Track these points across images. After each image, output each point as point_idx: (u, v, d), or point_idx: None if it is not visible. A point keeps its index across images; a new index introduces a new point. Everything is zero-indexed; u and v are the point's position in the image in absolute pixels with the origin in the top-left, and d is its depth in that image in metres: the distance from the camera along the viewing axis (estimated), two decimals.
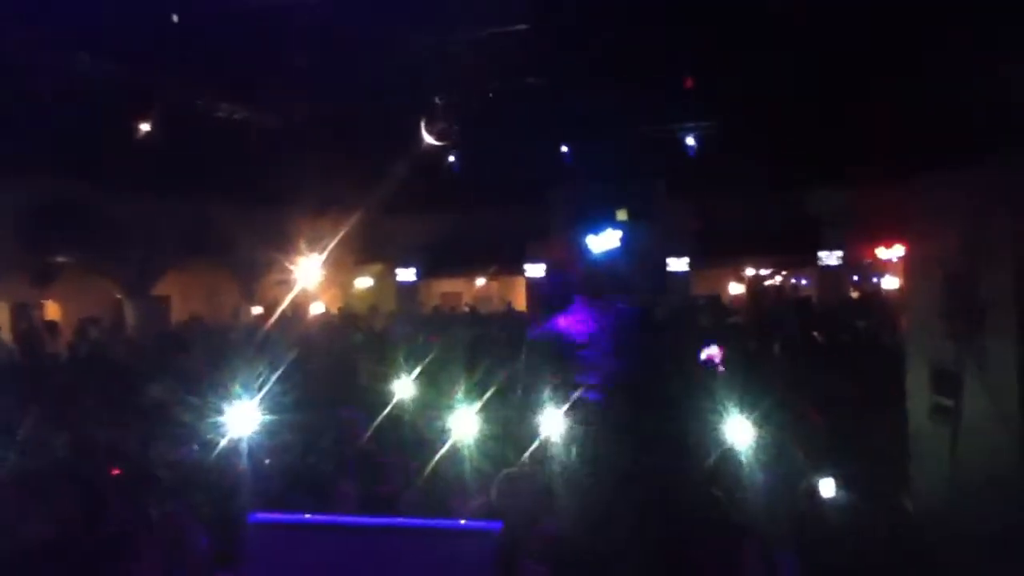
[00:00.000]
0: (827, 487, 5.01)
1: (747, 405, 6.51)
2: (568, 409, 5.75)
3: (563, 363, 6.58)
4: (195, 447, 5.48)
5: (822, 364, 9.84)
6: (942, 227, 5.35)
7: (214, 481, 5.24)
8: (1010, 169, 4.54)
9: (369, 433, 6.62)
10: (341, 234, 16.14)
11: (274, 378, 5.89)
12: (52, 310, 18.46)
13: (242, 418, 5.27)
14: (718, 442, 5.60)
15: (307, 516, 4.41)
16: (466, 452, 5.53)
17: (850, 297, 22.76)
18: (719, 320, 15.25)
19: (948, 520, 4.58)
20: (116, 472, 5.65)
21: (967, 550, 4.16)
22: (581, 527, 4.02)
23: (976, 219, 4.83)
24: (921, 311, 5.62)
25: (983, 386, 4.68)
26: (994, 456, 4.52)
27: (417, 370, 7.93)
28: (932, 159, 5.33)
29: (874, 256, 24.63)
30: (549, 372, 6.27)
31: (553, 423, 5.79)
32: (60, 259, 16.89)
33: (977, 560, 4.04)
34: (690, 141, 21.87)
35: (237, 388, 5.54)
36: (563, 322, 4.75)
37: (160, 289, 20.12)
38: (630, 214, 24.00)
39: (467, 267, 25.15)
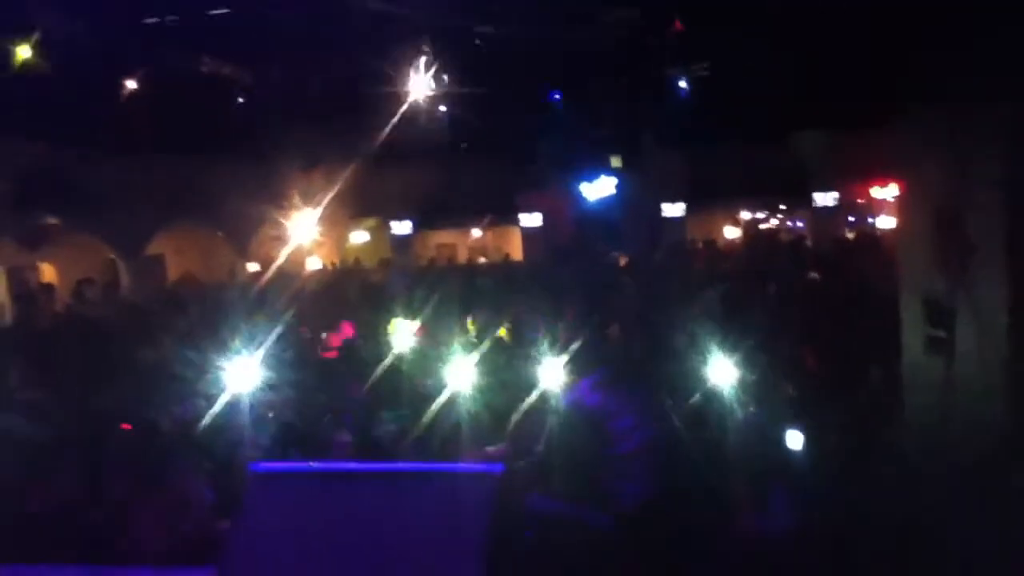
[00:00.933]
0: (795, 439, 5.03)
1: (740, 348, 6.57)
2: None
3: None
4: (197, 403, 5.52)
5: (816, 305, 9.87)
6: (933, 165, 5.35)
7: (216, 435, 5.30)
8: (1000, 107, 4.54)
9: (367, 385, 6.66)
10: (335, 188, 16.07)
11: (274, 334, 5.93)
12: (48, 273, 18.44)
13: (243, 374, 5.31)
14: (709, 383, 5.65)
15: (307, 464, 4.49)
16: (463, 402, 5.58)
17: (845, 238, 22.75)
18: (714, 264, 15.26)
19: (940, 448, 4.65)
20: (119, 432, 5.71)
21: (957, 478, 4.23)
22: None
23: (966, 156, 4.84)
24: (914, 247, 5.65)
25: (974, 319, 4.74)
26: (985, 386, 4.60)
27: (413, 321, 7.98)
28: (922, 96, 5.31)
29: (869, 196, 24.60)
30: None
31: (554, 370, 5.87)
32: (51, 221, 16.84)
33: (967, 488, 4.11)
34: (682, 84, 21.72)
35: (237, 345, 5.58)
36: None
37: (154, 249, 20.11)
38: (624, 161, 23.95)
39: (461, 219, 25.12)
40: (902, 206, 6.98)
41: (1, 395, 6.57)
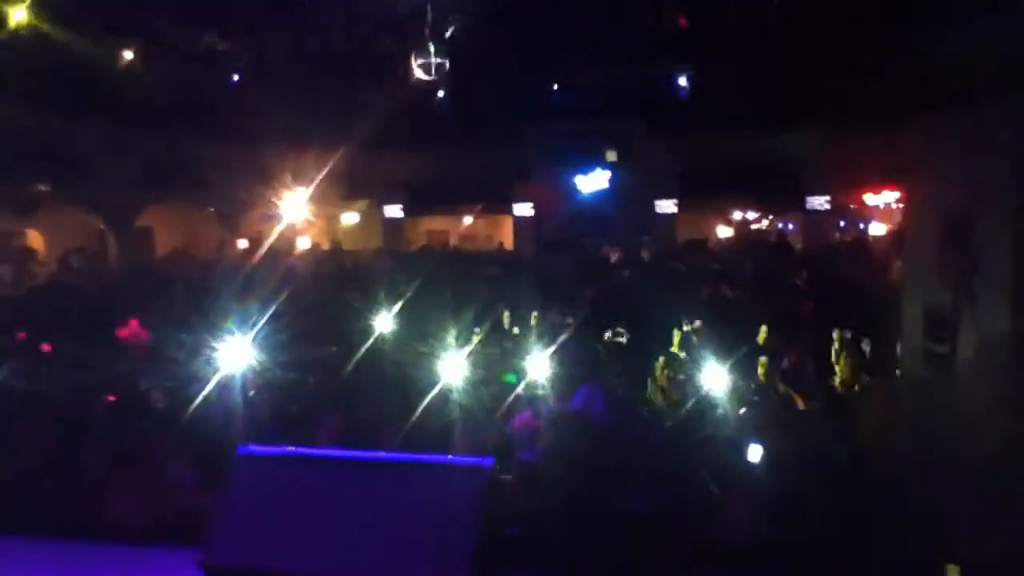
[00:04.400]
0: (755, 453, 5.06)
1: (725, 349, 6.62)
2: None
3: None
4: (186, 380, 5.50)
5: (800, 307, 9.93)
6: (940, 172, 5.36)
7: (204, 414, 5.28)
8: (1010, 113, 4.53)
9: (352, 368, 6.64)
10: (326, 169, 16.01)
11: (265, 314, 5.91)
12: (37, 243, 18.34)
13: (234, 353, 5.29)
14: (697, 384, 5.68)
15: (296, 449, 4.49)
16: (454, 393, 5.58)
17: (835, 243, 22.85)
18: (703, 264, 15.29)
19: (934, 455, 4.67)
20: (101, 404, 5.68)
21: (957, 489, 4.24)
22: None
23: (974, 164, 4.85)
24: (917, 256, 5.66)
25: (976, 330, 4.75)
26: (986, 399, 4.61)
27: (399, 307, 7.95)
28: (927, 102, 5.31)
29: (861, 202, 24.66)
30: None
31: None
32: (41, 188, 16.70)
33: (970, 500, 4.13)
34: (682, 82, 21.71)
35: (229, 324, 5.56)
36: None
37: (143, 222, 19.98)
38: (619, 155, 23.92)
39: (454, 205, 25.03)
40: (906, 213, 7.00)
41: None
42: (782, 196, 24.37)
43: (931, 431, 4.99)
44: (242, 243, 20.74)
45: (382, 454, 4.53)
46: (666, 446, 4.33)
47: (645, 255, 16.40)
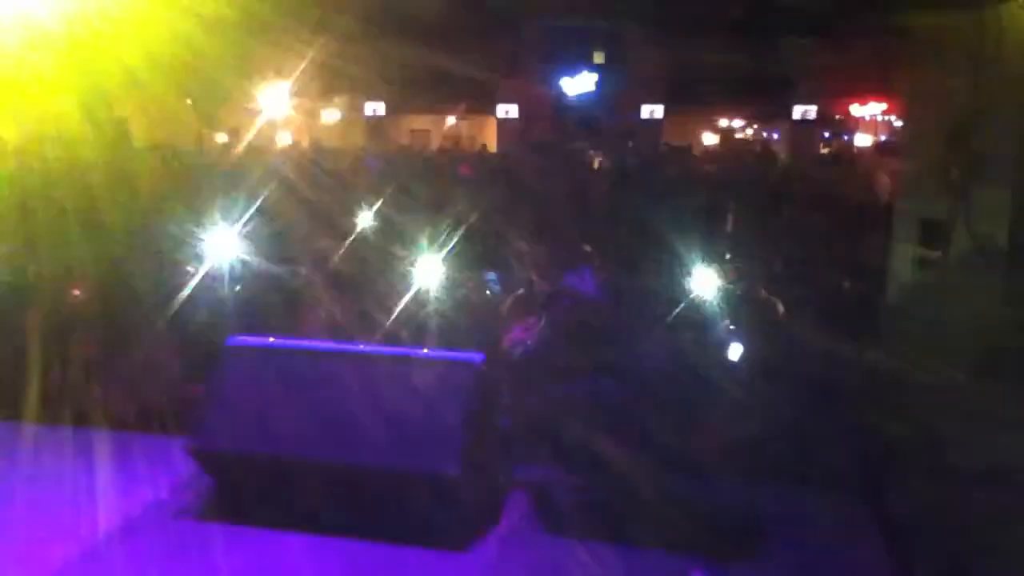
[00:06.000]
0: (735, 351, 5.15)
1: (712, 258, 6.63)
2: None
3: None
4: (177, 271, 5.47)
5: (787, 218, 9.96)
6: (942, 78, 5.31)
7: (192, 304, 5.28)
8: (1015, 13, 4.47)
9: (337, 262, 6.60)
10: (306, 61, 15.62)
11: (252, 208, 5.85)
12: (7, 131, 17.87)
13: (222, 245, 5.26)
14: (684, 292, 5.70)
15: (285, 340, 4.51)
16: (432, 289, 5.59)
17: (822, 154, 22.81)
18: (687, 171, 15.24)
19: (926, 365, 4.75)
20: (70, 295, 5.66)
21: (940, 396, 4.34)
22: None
23: (978, 68, 4.80)
24: (913, 163, 5.68)
25: (971, 235, 4.79)
26: (977, 302, 4.68)
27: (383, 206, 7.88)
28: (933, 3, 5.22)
29: (846, 112, 24.53)
30: None
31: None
32: None
33: (950, 404, 4.22)
34: None
35: (213, 217, 5.51)
36: None
37: (117, 111, 19.50)
38: (606, 58, 23.50)
39: (437, 104, 24.62)
40: (906, 122, 6.95)
41: None
42: (770, 104, 24.16)
43: (918, 336, 5.08)
44: (221, 137, 20.36)
45: (370, 346, 4.57)
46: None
47: (630, 161, 16.31)
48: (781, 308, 5.54)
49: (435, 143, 25.29)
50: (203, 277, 5.25)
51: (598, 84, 23.18)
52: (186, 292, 5.16)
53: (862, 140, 23.01)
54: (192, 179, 10.41)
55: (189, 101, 20.94)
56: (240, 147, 14.59)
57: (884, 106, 22.91)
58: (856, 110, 23.89)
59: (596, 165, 16.64)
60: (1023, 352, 4.07)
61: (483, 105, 23.92)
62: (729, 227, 8.33)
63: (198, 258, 5.35)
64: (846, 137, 25.02)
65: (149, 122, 20.53)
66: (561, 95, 23.19)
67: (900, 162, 6.86)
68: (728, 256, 6.35)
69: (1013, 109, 4.45)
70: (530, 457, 4.39)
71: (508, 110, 23.94)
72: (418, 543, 3.69)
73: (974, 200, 4.78)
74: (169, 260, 5.51)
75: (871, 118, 24.34)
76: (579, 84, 23.09)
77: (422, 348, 4.63)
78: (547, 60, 22.83)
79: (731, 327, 4.83)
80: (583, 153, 17.49)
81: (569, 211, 8.87)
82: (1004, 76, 4.61)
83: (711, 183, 12.77)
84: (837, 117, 25.08)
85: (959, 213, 4.90)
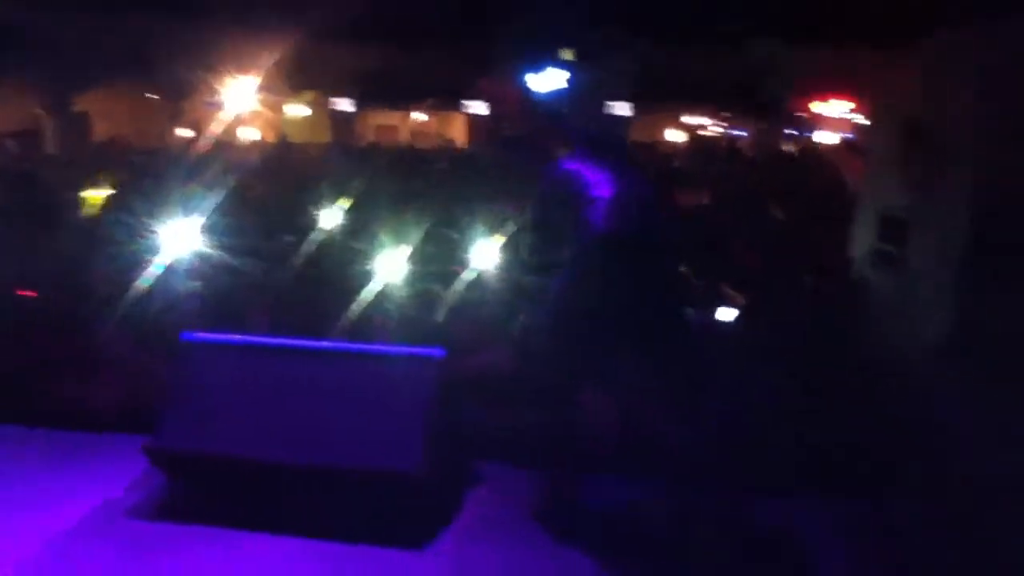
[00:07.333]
0: (726, 314, 5.18)
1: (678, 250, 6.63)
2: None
3: None
4: (132, 266, 5.37)
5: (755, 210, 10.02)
6: (903, 89, 5.38)
7: (147, 302, 5.19)
8: (974, 38, 4.54)
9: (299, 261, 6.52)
10: (274, 58, 15.46)
11: (212, 203, 5.76)
12: None
13: (176, 241, 5.18)
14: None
15: (242, 337, 4.44)
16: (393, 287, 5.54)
17: (785, 151, 23.00)
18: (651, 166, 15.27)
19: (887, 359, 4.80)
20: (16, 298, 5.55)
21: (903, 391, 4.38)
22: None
23: (940, 67, 4.87)
24: (878, 160, 5.74)
25: (930, 232, 4.85)
26: (934, 299, 4.73)
27: (351, 202, 7.81)
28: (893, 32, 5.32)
29: (809, 111, 24.80)
30: None
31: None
32: None
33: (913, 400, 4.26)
34: None
35: (171, 211, 5.42)
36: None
37: (82, 106, 19.22)
38: (574, 55, 23.49)
39: (404, 100, 24.52)
40: (870, 120, 7.04)
41: None
42: (737, 104, 24.38)
43: (877, 327, 5.14)
44: (184, 132, 20.10)
45: (330, 343, 4.51)
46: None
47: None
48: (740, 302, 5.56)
49: (403, 139, 25.21)
50: (163, 271, 5.16)
51: (568, 81, 23.20)
52: (143, 287, 5.07)
53: (827, 138, 23.22)
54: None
55: (152, 96, 20.71)
56: (205, 142, 14.39)
57: (847, 104, 23.17)
58: (820, 108, 24.15)
59: None
60: (978, 349, 4.12)
61: (451, 101, 23.88)
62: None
63: (155, 252, 5.25)
64: (811, 135, 25.24)
65: (110, 118, 20.27)
66: (532, 92, 23.18)
67: (863, 159, 6.92)
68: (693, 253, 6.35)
69: (971, 107, 4.50)
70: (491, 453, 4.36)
71: (478, 106, 23.92)
72: (380, 541, 3.65)
73: (934, 197, 4.83)
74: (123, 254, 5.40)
75: (835, 116, 24.60)
76: (547, 81, 23.09)
77: (384, 344, 4.57)
78: (516, 58, 22.80)
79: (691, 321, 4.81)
80: (554, 149, 17.48)
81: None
82: (963, 79, 4.67)
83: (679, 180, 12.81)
84: (802, 115, 25.33)
85: (919, 210, 4.95)
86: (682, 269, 5.31)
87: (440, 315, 5.30)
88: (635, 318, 3.55)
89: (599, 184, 3.69)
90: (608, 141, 4.26)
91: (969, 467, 3.48)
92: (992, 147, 4.37)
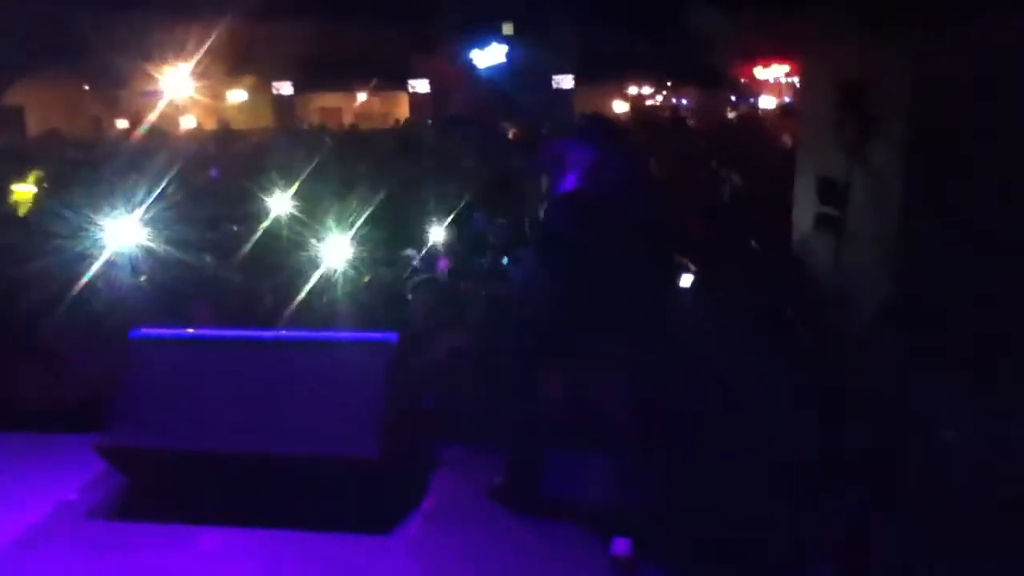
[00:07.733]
0: (687, 280, 5.26)
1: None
2: None
3: None
4: (73, 261, 5.25)
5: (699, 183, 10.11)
6: (838, 39, 5.43)
7: (92, 298, 5.08)
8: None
9: (245, 250, 6.44)
10: (210, 42, 15.17)
11: (153, 195, 5.65)
12: None
13: (121, 233, 5.07)
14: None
15: (192, 330, 4.38)
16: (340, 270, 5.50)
17: (729, 117, 23.20)
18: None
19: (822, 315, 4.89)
20: None
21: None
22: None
23: (874, 29, 4.92)
24: (813, 123, 5.81)
25: (867, 195, 4.93)
26: (873, 260, 4.83)
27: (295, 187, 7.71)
28: None
29: (752, 76, 25.02)
30: None
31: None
32: None
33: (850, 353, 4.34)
34: None
35: (115, 203, 5.30)
36: None
37: (11, 100, 18.67)
38: (516, 29, 23.41)
39: (347, 81, 24.23)
40: (803, 83, 7.12)
41: None
42: (677, 72, 24.54)
43: (817, 290, 5.23)
44: (121, 123, 19.66)
45: (282, 333, 4.47)
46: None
47: (545, 132, 16.31)
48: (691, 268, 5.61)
49: (347, 120, 24.92)
50: (104, 266, 5.06)
51: (509, 55, 23.12)
52: (85, 281, 4.97)
53: (767, 103, 23.49)
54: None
55: (87, 87, 20.20)
56: (141, 131, 14.08)
57: (787, 68, 23.42)
58: (760, 72, 24.38)
59: (511, 136, 16.59)
60: (910, 312, 4.21)
61: (394, 80, 23.65)
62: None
63: (96, 246, 5.14)
64: (752, 100, 25.51)
65: (44, 111, 19.73)
66: (473, 67, 23.06)
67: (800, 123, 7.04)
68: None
69: (905, 72, 4.58)
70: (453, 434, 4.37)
71: (421, 85, 23.75)
72: (341, 529, 3.64)
73: (868, 160, 4.91)
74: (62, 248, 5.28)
75: (775, 80, 24.85)
76: (490, 56, 22.99)
77: (336, 330, 4.54)
78: (459, 32, 22.65)
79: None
80: (497, 126, 17.42)
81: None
82: (899, 39, 4.74)
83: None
84: (743, 81, 25.56)
85: (854, 173, 5.03)
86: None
87: (391, 299, 5.26)
88: (618, 298, 3.55)
89: (592, 168, 3.69)
90: (600, 125, 4.26)
91: (898, 438, 3.55)
92: (927, 109, 4.44)
